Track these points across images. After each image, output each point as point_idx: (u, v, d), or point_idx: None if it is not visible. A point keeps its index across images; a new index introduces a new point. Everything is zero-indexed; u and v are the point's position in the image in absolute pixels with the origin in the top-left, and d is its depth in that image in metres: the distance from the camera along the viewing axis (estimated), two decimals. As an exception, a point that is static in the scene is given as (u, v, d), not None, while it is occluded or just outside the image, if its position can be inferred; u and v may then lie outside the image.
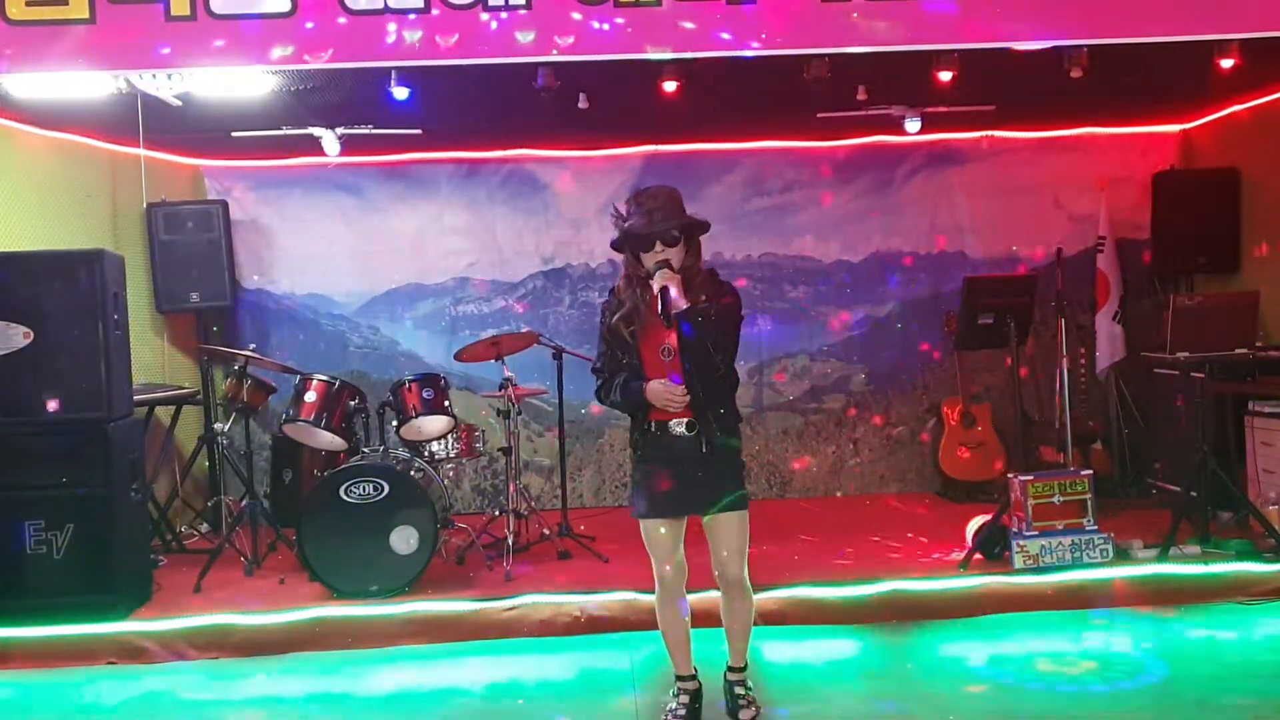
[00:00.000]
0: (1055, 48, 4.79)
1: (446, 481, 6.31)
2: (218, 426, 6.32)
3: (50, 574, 5.13)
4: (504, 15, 4.48)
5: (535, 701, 4.30)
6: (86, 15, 4.45)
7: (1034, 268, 7.52)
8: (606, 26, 4.49)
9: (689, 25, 4.51)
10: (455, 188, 7.69)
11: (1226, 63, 4.90)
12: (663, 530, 3.79)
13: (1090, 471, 5.64)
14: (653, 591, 3.93)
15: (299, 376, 5.95)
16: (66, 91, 5.09)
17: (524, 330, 7.06)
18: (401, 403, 5.90)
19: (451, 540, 6.10)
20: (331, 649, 4.98)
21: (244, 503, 6.10)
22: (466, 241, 7.72)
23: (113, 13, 4.45)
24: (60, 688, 4.66)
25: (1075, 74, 4.92)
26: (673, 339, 3.69)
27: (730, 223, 7.47)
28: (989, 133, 7.58)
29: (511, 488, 5.99)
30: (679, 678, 3.95)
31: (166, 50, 4.48)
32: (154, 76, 4.93)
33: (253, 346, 6.76)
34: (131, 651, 4.94)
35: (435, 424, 5.99)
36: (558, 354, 6.38)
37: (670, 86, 5.04)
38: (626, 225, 3.71)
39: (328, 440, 5.94)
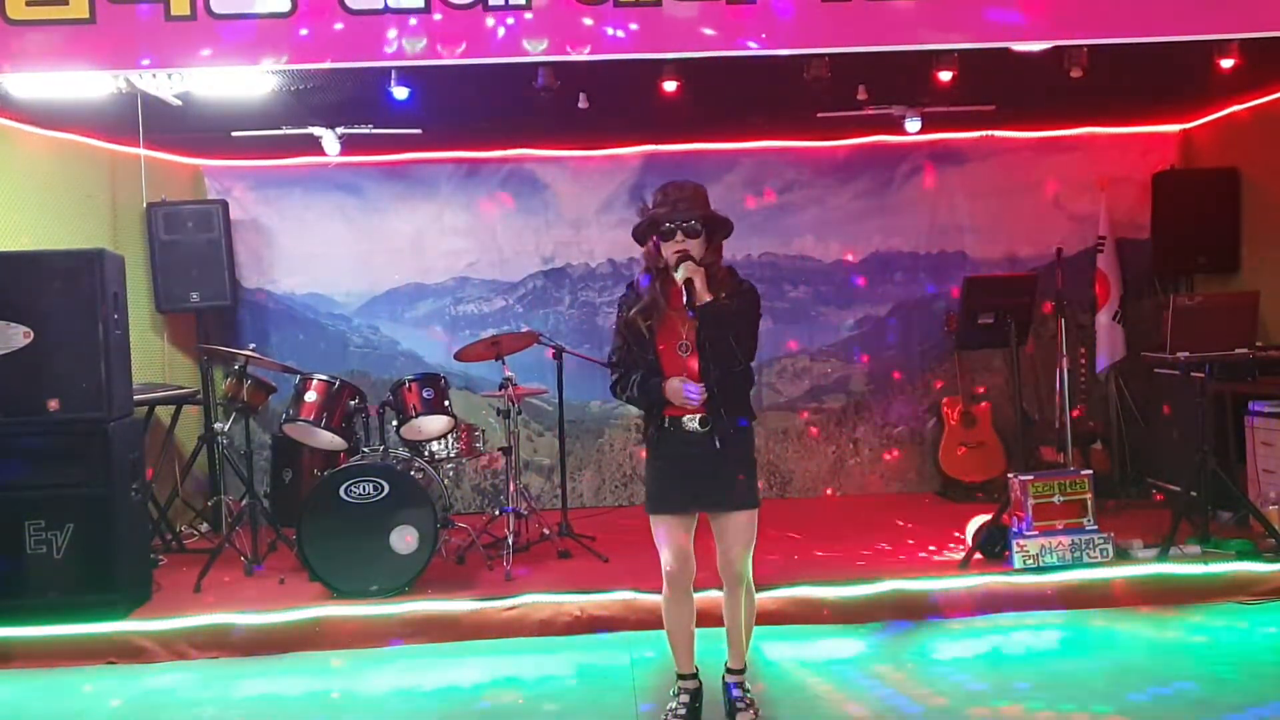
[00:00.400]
0: (1055, 48, 4.79)
1: (446, 481, 6.31)
2: (218, 426, 6.32)
3: (50, 574, 5.12)
4: (510, 21, 4.48)
5: (535, 701, 4.30)
6: (86, 15, 4.45)
7: (1034, 268, 7.52)
8: (614, 31, 4.49)
9: (689, 25, 4.51)
10: (455, 187, 7.69)
11: (1226, 63, 4.91)
12: (672, 526, 3.78)
13: (1090, 471, 5.64)
14: (653, 591, 3.93)
15: (299, 376, 5.95)
16: (66, 91, 5.09)
17: (524, 330, 7.06)
18: (401, 402, 5.90)
19: (451, 540, 6.10)
20: (331, 649, 4.98)
21: (244, 502, 6.10)
22: (466, 241, 7.72)
23: (113, 13, 4.45)
24: (60, 688, 4.66)
25: (1075, 74, 4.92)
26: (690, 334, 3.68)
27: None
28: (989, 133, 7.57)
29: (511, 488, 5.99)
30: (680, 676, 3.95)
31: (166, 50, 4.48)
32: (154, 76, 4.93)
33: (253, 346, 6.76)
34: (131, 651, 4.94)
35: (435, 424, 5.99)
36: (558, 354, 6.38)
37: (670, 86, 5.04)
38: (651, 212, 3.71)
39: (328, 440, 5.94)
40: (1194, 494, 5.74)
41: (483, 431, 6.38)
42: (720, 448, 3.70)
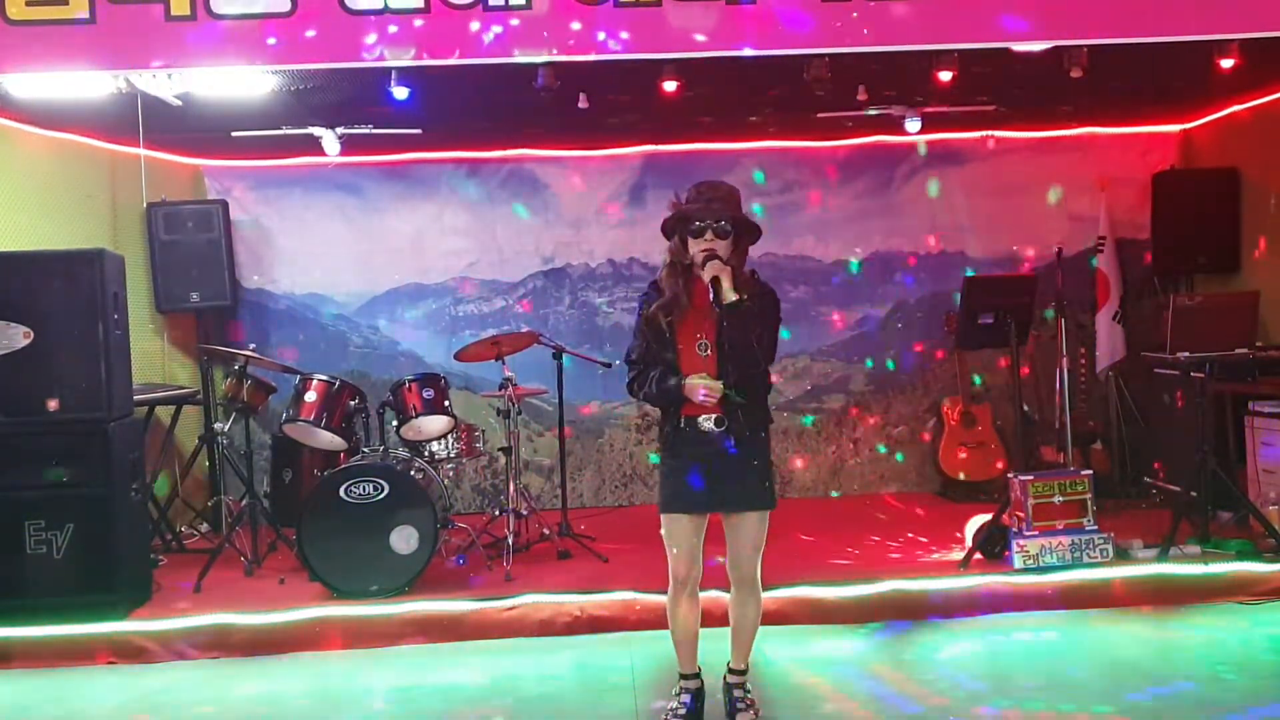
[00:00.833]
0: (1055, 47, 4.79)
1: (446, 481, 6.31)
2: (218, 426, 6.32)
3: (50, 574, 5.12)
4: (514, 23, 4.48)
5: (535, 701, 4.30)
6: (86, 15, 4.45)
7: (1034, 268, 7.52)
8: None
9: (687, 27, 4.51)
10: (455, 187, 7.69)
11: (1226, 63, 4.90)
12: (683, 526, 3.78)
13: (1090, 471, 5.64)
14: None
15: (299, 376, 5.95)
16: (66, 91, 5.09)
17: (524, 330, 7.06)
18: (401, 402, 5.90)
19: (451, 540, 6.10)
20: (331, 649, 4.98)
21: (244, 502, 6.10)
22: (466, 241, 7.72)
23: (113, 13, 4.45)
24: (60, 688, 4.66)
25: (1075, 74, 4.92)
26: (711, 333, 3.68)
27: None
28: (989, 133, 7.57)
29: (511, 488, 5.99)
30: (682, 676, 3.95)
31: (166, 50, 4.48)
32: (154, 76, 4.93)
33: (253, 346, 6.77)
34: (131, 651, 4.94)
35: (435, 424, 5.99)
36: (558, 354, 6.38)
37: (670, 86, 5.04)
38: (683, 208, 3.72)
39: (328, 440, 5.94)
40: (1194, 494, 5.74)
41: (483, 431, 6.38)
42: (736, 449, 3.70)
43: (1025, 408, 6.47)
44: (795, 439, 7.80)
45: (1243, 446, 6.18)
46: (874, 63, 4.92)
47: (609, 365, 6.59)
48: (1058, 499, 5.46)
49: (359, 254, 7.68)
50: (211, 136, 6.57)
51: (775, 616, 4.94)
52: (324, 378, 5.89)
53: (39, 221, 6.02)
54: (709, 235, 3.67)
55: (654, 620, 4.87)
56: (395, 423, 5.93)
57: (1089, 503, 5.49)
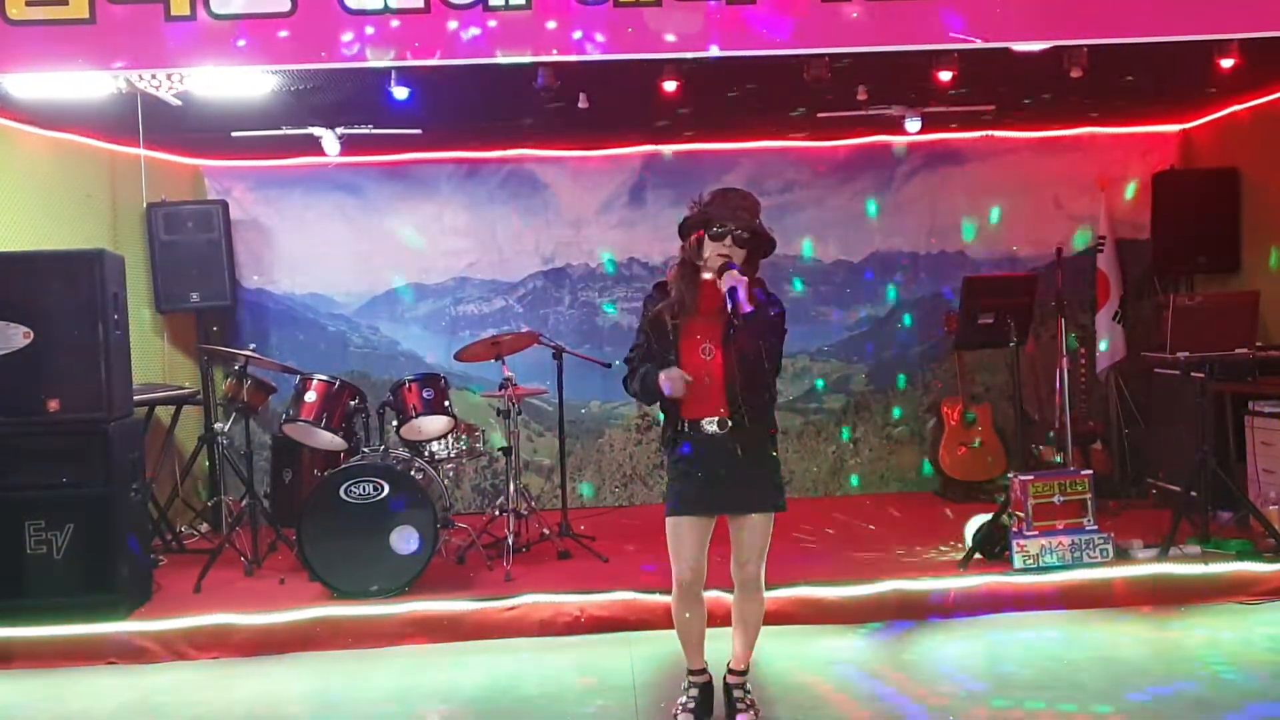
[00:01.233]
0: (1055, 48, 4.80)
1: (446, 481, 6.30)
2: (218, 426, 6.32)
3: (50, 574, 5.12)
4: (506, 15, 4.48)
5: (535, 701, 4.30)
6: (86, 15, 4.45)
7: (1034, 268, 7.52)
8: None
9: (687, 25, 4.51)
10: (455, 187, 7.70)
11: (1226, 63, 4.90)
12: (689, 530, 3.77)
13: (1090, 471, 5.64)
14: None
15: (299, 376, 5.95)
16: (66, 91, 5.10)
17: (524, 330, 7.06)
18: (401, 403, 5.90)
19: (451, 540, 6.10)
20: (331, 649, 4.98)
21: (244, 503, 6.10)
22: (466, 241, 7.72)
23: (113, 13, 4.45)
24: (60, 688, 4.66)
25: (1075, 74, 4.92)
26: (716, 337, 3.68)
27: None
28: (989, 133, 7.58)
29: (511, 488, 5.99)
30: (691, 671, 3.97)
31: (166, 50, 4.48)
32: (154, 76, 4.94)
33: (253, 346, 6.77)
34: (131, 651, 4.94)
35: (435, 424, 5.99)
36: (558, 354, 6.38)
37: (670, 86, 5.04)
38: (707, 208, 3.72)
39: (328, 440, 5.94)
40: (1194, 494, 5.74)
41: (483, 431, 6.38)
42: (742, 454, 3.70)
43: (1025, 408, 6.46)
44: (795, 439, 7.80)
45: (1243, 446, 6.18)
46: (874, 63, 4.92)
47: (609, 365, 6.59)
48: (1058, 499, 5.46)
49: (359, 254, 7.68)
50: (211, 136, 6.57)
51: (775, 616, 4.93)
52: (324, 378, 5.90)
53: (39, 221, 6.03)
54: (729, 241, 3.68)
55: (654, 620, 4.88)
56: (395, 423, 5.93)
57: (1089, 503, 5.49)
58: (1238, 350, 5.71)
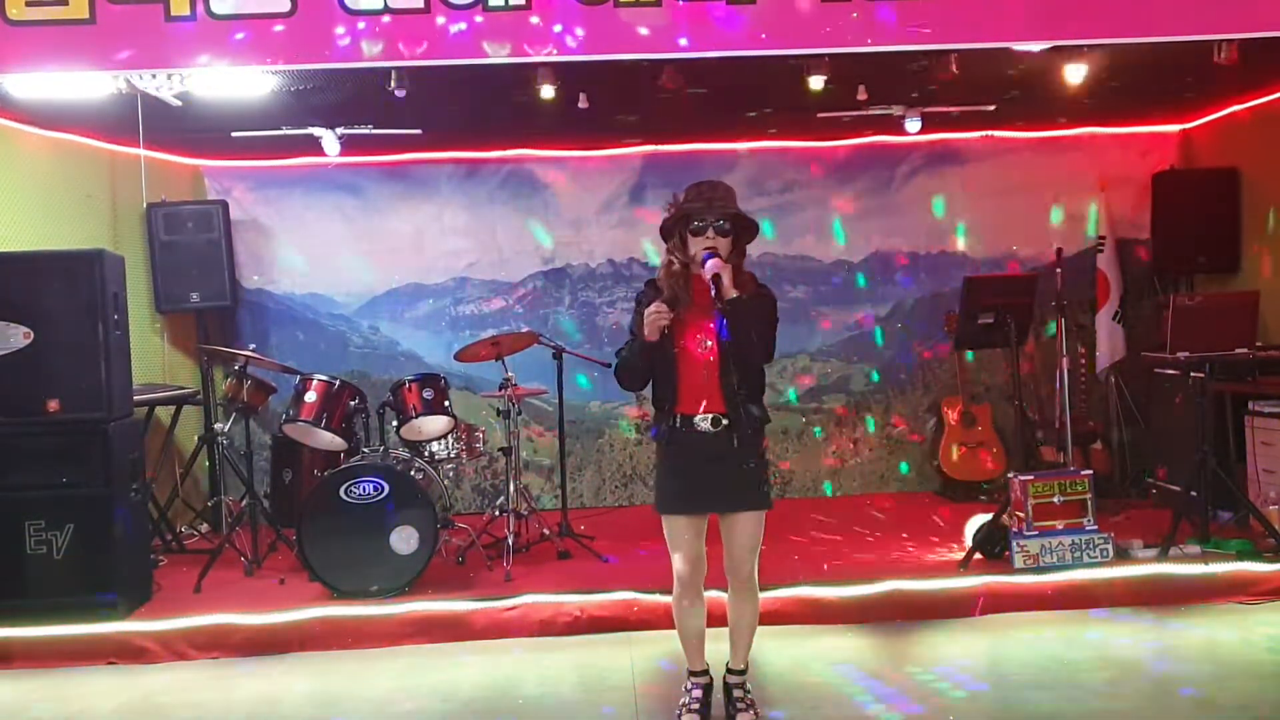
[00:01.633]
0: (1055, 47, 4.80)
1: (446, 481, 6.30)
2: (218, 426, 6.32)
3: (50, 574, 5.13)
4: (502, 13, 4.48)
5: (535, 701, 4.30)
6: (86, 15, 4.44)
7: (1034, 268, 7.52)
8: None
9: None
10: (455, 187, 7.70)
11: (1226, 63, 4.90)
12: (684, 527, 3.78)
13: (1090, 471, 5.64)
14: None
15: (299, 376, 5.95)
16: (66, 91, 5.09)
17: (524, 330, 7.06)
18: (401, 403, 5.90)
19: (451, 540, 6.10)
20: (331, 649, 4.98)
21: (244, 503, 6.10)
22: (466, 241, 7.72)
23: (113, 13, 4.45)
24: (60, 688, 4.66)
25: (1075, 74, 4.92)
26: (711, 331, 3.69)
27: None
28: (989, 133, 7.58)
29: (511, 488, 5.99)
30: (692, 673, 3.97)
31: (166, 50, 4.48)
32: (154, 76, 4.94)
33: (253, 346, 6.76)
34: (131, 651, 4.94)
35: (435, 424, 5.99)
36: (558, 354, 6.38)
37: (670, 87, 5.03)
38: (684, 206, 3.73)
39: (328, 440, 5.94)
40: (1194, 494, 5.74)
41: (483, 432, 6.38)
42: (737, 447, 3.70)
43: (1025, 408, 6.45)
44: (795, 439, 7.80)
45: (1243, 446, 6.18)
46: (873, 62, 4.91)
47: (609, 365, 6.57)
48: (1058, 499, 5.46)
49: (359, 254, 7.68)
50: (211, 136, 6.57)
51: (775, 616, 4.94)
52: (324, 378, 5.89)
53: (39, 221, 6.03)
54: (711, 233, 3.68)
55: (654, 620, 4.88)
56: (395, 423, 5.93)
57: (1089, 503, 5.49)
58: (1238, 350, 5.71)
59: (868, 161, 7.70)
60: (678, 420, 3.75)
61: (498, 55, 4.46)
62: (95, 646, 4.95)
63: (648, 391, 3.87)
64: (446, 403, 5.98)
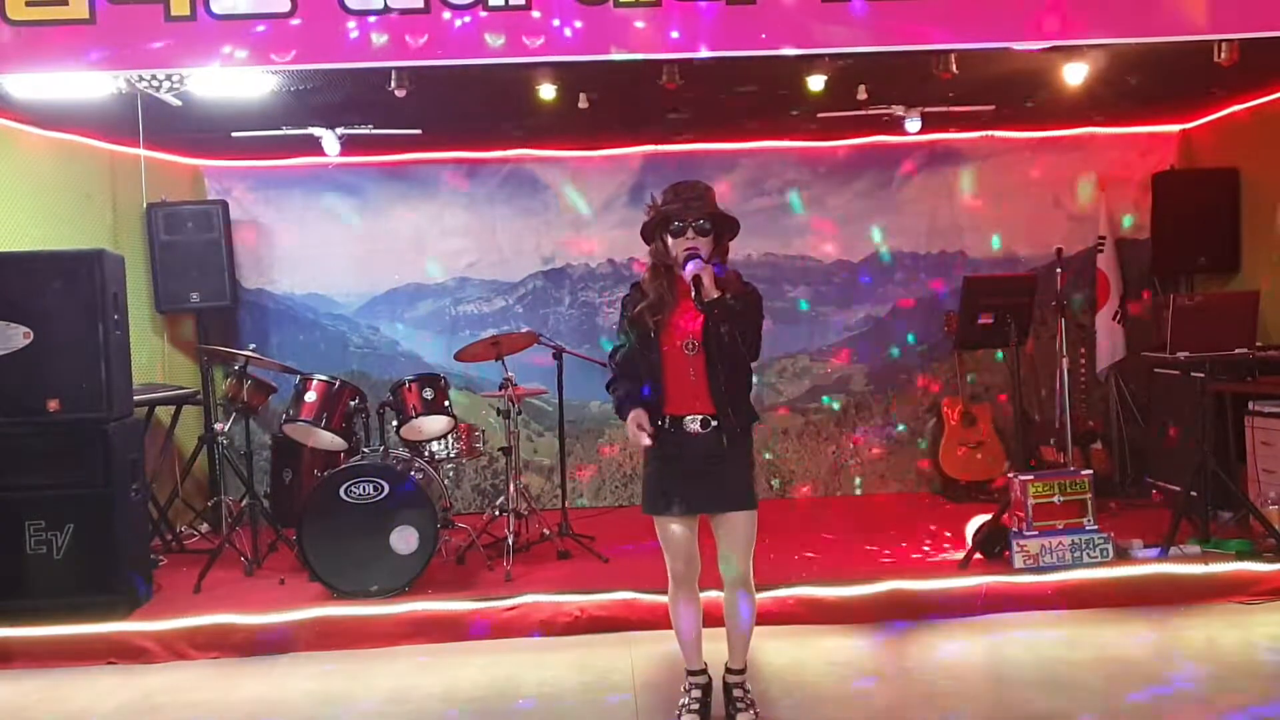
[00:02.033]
0: (1056, 47, 4.80)
1: (446, 481, 6.30)
2: (218, 426, 6.32)
3: (50, 574, 5.13)
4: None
5: (535, 701, 4.30)
6: (86, 15, 4.44)
7: (1034, 268, 7.53)
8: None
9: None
10: (455, 188, 7.69)
11: (1227, 63, 4.90)
12: (675, 527, 3.79)
13: (1090, 471, 5.64)
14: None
15: (299, 376, 5.95)
16: (66, 91, 5.09)
17: (524, 330, 7.06)
18: (401, 403, 5.90)
19: (451, 540, 6.10)
20: (331, 649, 4.98)
21: (244, 503, 6.10)
22: (466, 241, 7.72)
23: (113, 13, 4.45)
24: (60, 688, 4.66)
25: (1075, 74, 4.92)
26: (697, 333, 3.69)
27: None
28: (989, 133, 7.58)
29: (511, 488, 5.99)
30: (690, 672, 3.97)
31: (166, 50, 4.48)
32: (154, 77, 4.93)
33: (253, 346, 6.77)
34: (131, 651, 4.94)
35: (435, 424, 5.99)
36: (558, 354, 6.38)
37: (670, 87, 5.03)
38: (662, 209, 3.73)
39: (328, 440, 5.94)
40: (1194, 494, 5.74)
41: (483, 432, 6.38)
42: (727, 446, 3.70)
43: (1025, 408, 6.46)
44: (795, 439, 7.80)
45: (1243, 446, 6.18)
46: (874, 62, 4.92)
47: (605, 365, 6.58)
48: (1058, 499, 5.47)
49: (359, 254, 7.68)
50: (211, 136, 6.57)
51: (775, 616, 4.95)
52: (324, 378, 5.89)
53: (39, 221, 6.03)
54: (690, 234, 3.69)
55: (654, 620, 4.88)
56: (395, 423, 5.93)
57: (1089, 503, 5.49)
58: (1238, 350, 5.71)
59: (868, 161, 7.70)
60: (666, 421, 3.76)
61: (495, 44, 4.46)
62: (95, 646, 4.94)
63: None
64: (446, 403, 5.98)
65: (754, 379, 3.90)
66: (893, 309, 7.80)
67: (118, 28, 4.46)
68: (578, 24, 4.48)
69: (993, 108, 6.55)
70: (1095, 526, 5.47)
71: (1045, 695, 4.14)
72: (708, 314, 3.60)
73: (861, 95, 5.95)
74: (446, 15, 4.48)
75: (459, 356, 6.17)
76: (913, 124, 6.56)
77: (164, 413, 6.76)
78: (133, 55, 4.52)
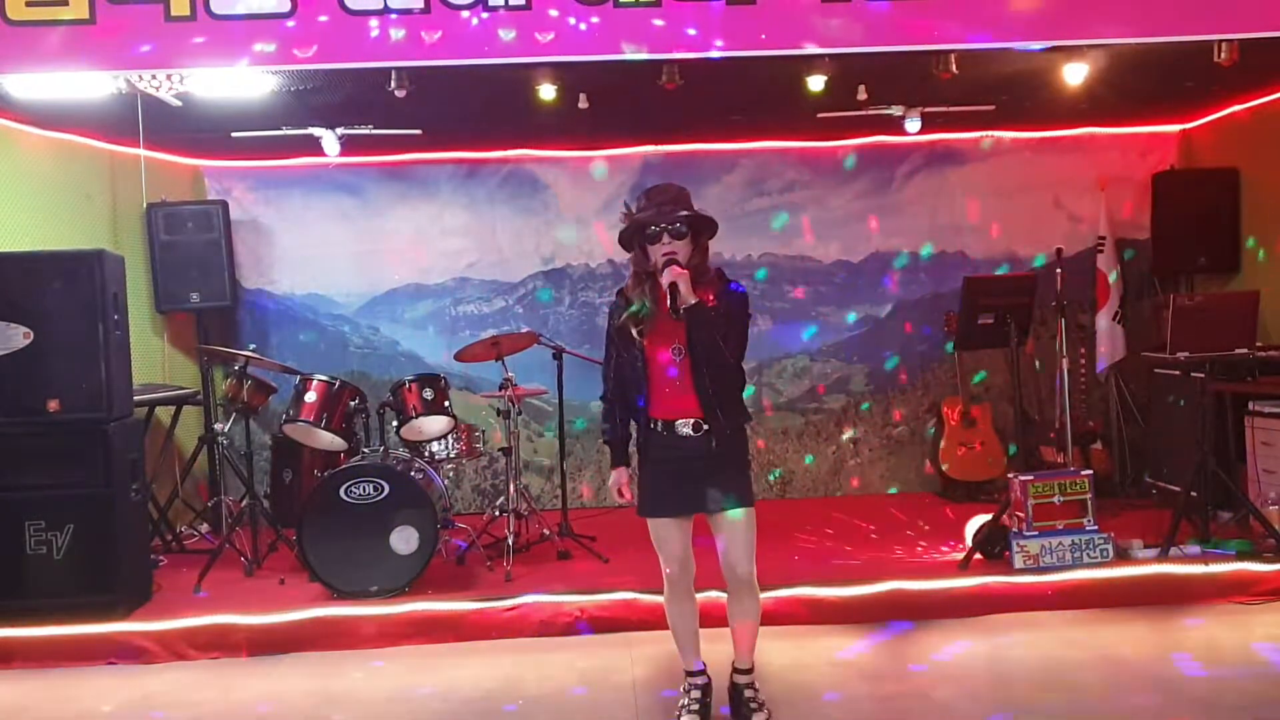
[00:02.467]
0: (1056, 47, 4.80)
1: (447, 482, 6.30)
2: (218, 427, 6.32)
3: (50, 574, 5.13)
4: (502, 13, 4.48)
5: (535, 701, 4.30)
6: (86, 15, 4.45)
7: (1034, 268, 7.53)
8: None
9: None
10: (455, 188, 7.70)
11: (1227, 63, 4.90)
12: (670, 529, 3.79)
13: (1090, 471, 5.64)
14: (654, 591, 3.93)
15: (299, 377, 5.95)
16: (66, 91, 5.09)
17: (524, 330, 7.06)
18: (401, 403, 5.90)
19: (452, 540, 6.10)
20: (331, 649, 4.98)
21: (244, 503, 6.10)
22: (466, 241, 7.72)
23: (113, 13, 4.46)
24: (60, 688, 4.66)
25: (1075, 74, 4.92)
26: (683, 338, 3.68)
27: (730, 223, 7.47)
28: (989, 133, 7.58)
29: (511, 488, 5.99)
30: (689, 673, 3.97)
31: (166, 50, 4.48)
32: (154, 76, 4.93)
33: (253, 347, 6.77)
34: (131, 651, 4.94)
35: (435, 424, 5.99)
36: (558, 354, 6.38)
37: (670, 87, 5.03)
38: (636, 216, 3.72)
39: (328, 440, 5.94)
40: (1194, 494, 5.74)
41: (483, 432, 6.38)
42: (716, 448, 3.70)
43: (1025, 408, 6.46)
44: (795, 439, 7.80)
45: (1243, 446, 6.18)
46: (874, 62, 4.92)
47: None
48: (1058, 499, 5.47)
49: (359, 254, 7.68)
50: (211, 137, 6.57)
51: (775, 616, 4.94)
52: (324, 378, 5.89)
53: (39, 221, 6.03)
54: (666, 239, 3.67)
55: (654, 620, 4.86)
56: (395, 423, 5.93)
57: (1089, 503, 5.49)
58: (1238, 350, 5.71)
59: (868, 161, 7.70)
60: (658, 425, 3.76)
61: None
62: (95, 646, 4.95)
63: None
64: (446, 403, 5.98)
65: (746, 380, 3.90)
66: (893, 309, 7.80)
67: (118, 28, 4.47)
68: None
69: (993, 108, 6.55)
70: (1095, 526, 5.47)
71: (1045, 695, 4.14)
72: (685, 321, 3.60)
73: (861, 95, 5.95)
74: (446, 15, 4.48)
75: (459, 357, 6.17)
76: (913, 124, 6.56)
77: (164, 413, 6.76)
78: (132, 55, 4.51)
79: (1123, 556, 5.47)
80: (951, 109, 6.42)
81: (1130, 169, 7.65)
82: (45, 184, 6.19)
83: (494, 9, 4.47)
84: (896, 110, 6.42)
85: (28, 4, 4.45)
